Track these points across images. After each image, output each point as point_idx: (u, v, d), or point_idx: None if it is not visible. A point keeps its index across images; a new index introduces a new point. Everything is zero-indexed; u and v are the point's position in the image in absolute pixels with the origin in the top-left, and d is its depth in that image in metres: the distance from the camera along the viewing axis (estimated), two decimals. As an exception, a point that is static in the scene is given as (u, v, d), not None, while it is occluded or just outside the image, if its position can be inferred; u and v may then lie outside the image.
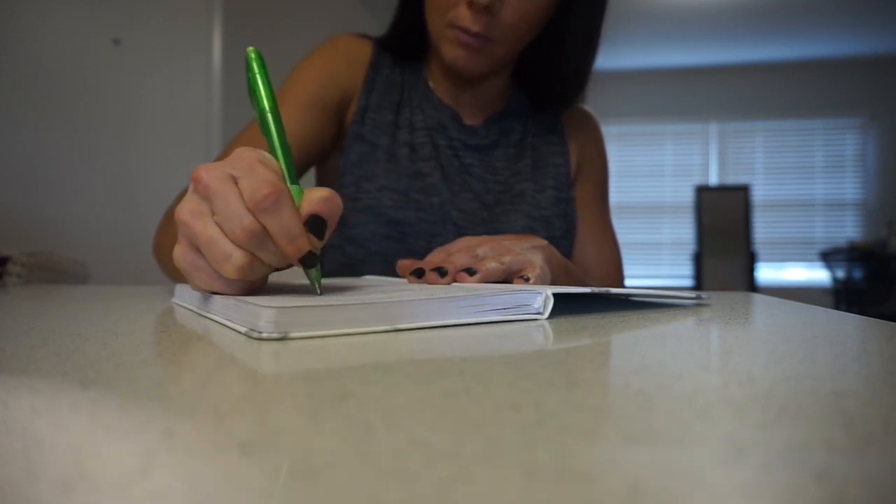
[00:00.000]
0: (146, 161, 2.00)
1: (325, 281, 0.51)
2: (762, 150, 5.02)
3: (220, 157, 0.69)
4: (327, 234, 0.33)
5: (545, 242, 0.52)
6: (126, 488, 0.10)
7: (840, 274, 4.20)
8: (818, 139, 4.95)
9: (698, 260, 4.54)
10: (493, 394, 0.17)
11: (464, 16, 0.62)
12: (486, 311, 0.34)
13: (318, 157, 0.73)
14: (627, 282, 0.85)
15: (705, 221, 4.60)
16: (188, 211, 0.32)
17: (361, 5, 3.53)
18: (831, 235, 4.89)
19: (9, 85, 1.70)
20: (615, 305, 0.44)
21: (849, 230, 4.89)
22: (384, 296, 0.32)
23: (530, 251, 0.48)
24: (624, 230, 5.01)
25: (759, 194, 4.96)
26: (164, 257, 0.65)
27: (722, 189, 4.71)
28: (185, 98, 2.09)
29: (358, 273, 0.70)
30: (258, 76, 0.37)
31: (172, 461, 0.12)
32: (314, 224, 0.32)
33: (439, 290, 0.35)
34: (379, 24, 3.46)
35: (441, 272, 0.43)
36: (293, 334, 0.27)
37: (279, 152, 0.36)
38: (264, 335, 0.27)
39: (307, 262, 0.33)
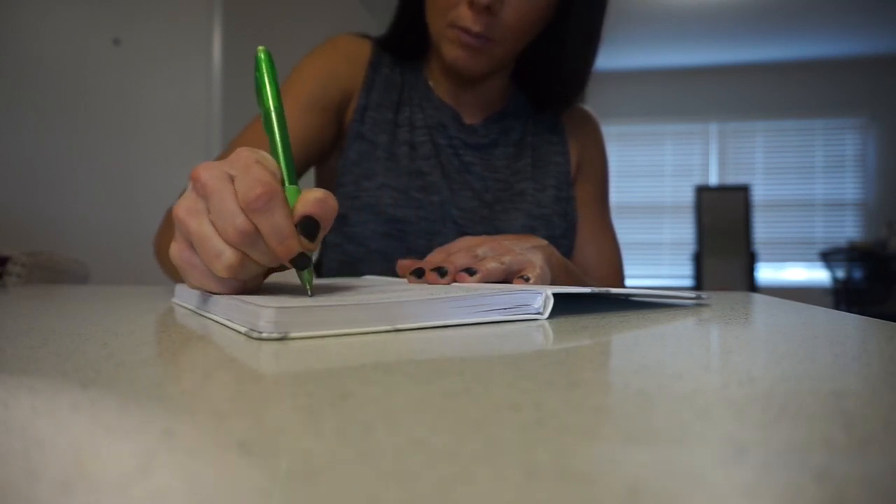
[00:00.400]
0: (146, 161, 2.00)
1: (325, 281, 0.51)
2: (762, 150, 5.02)
3: (222, 156, 0.69)
4: (321, 235, 0.33)
5: (545, 242, 0.52)
6: (126, 488, 0.10)
7: (840, 274, 4.20)
8: (818, 139, 4.95)
9: (698, 260, 4.54)
10: (493, 394, 0.17)
11: (465, 16, 0.63)
12: (486, 311, 0.34)
13: (318, 157, 0.73)
14: (627, 282, 0.85)
15: (705, 221, 4.60)
16: (185, 208, 0.33)
17: (361, 5, 3.53)
18: (831, 235, 4.89)
19: (9, 85, 1.70)
20: (615, 305, 0.44)
21: (849, 230, 4.89)
22: (384, 296, 0.32)
23: (530, 251, 0.48)
24: (624, 230, 5.01)
25: (759, 194, 4.96)
26: (164, 257, 0.65)
27: (722, 189, 4.71)
28: (185, 98, 2.09)
29: (358, 272, 0.70)
30: (266, 76, 0.37)
31: (172, 461, 0.12)
32: (307, 226, 0.32)
33: (439, 290, 0.35)
34: (379, 24, 3.46)
35: (441, 272, 0.43)
36: (293, 334, 0.27)
37: (280, 152, 0.36)
38: (264, 335, 0.27)
39: (298, 263, 0.33)
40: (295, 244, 0.32)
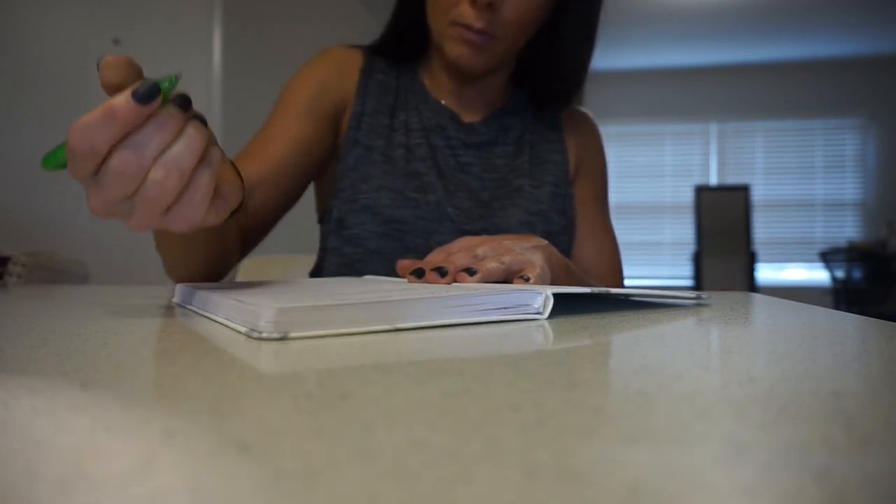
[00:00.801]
0: (146, 161, 2.00)
1: (324, 281, 0.51)
2: (762, 150, 5.02)
3: (241, 154, 0.70)
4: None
5: (545, 242, 0.52)
6: (126, 488, 0.10)
7: (840, 274, 4.20)
8: (818, 139, 4.95)
9: (698, 260, 4.54)
10: (493, 394, 0.17)
11: (467, 13, 0.63)
12: (486, 311, 0.34)
13: (315, 165, 0.73)
14: (627, 282, 0.85)
15: (705, 221, 4.60)
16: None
17: (361, 5, 3.53)
18: (831, 235, 4.89)
19: (9, 85, 1.70)
20: (615, 305, 0.44)
21: (849, 230, 4.89)
22: (384, 296, 0.32)
23: (530, 251, 0.48)
24: (624, 230, 5.01)
25: (759, 194, 4.96)
26: (163, 248, 0.65)
27: (722, 189, 4.71)
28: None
29: (358, 273, 0.71)
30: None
31: (172, 461, 0.12)
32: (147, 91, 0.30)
33: (439, 290, 0.35)
34: (379, 25, 3.45)
35: (441, 272, 0.43)
36: (293, 334, 0.27)
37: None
38: (264, 335, 0.27)
39: (143, 96, 0.30)
40: (110, 104, 0.29)
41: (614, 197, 4.91)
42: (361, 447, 0.13)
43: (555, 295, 0.37)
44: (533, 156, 0.78)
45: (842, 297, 4.17)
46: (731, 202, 4.62)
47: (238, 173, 0.42)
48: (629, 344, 0.27)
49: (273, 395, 0.17)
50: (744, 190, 4.62)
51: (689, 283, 4.98)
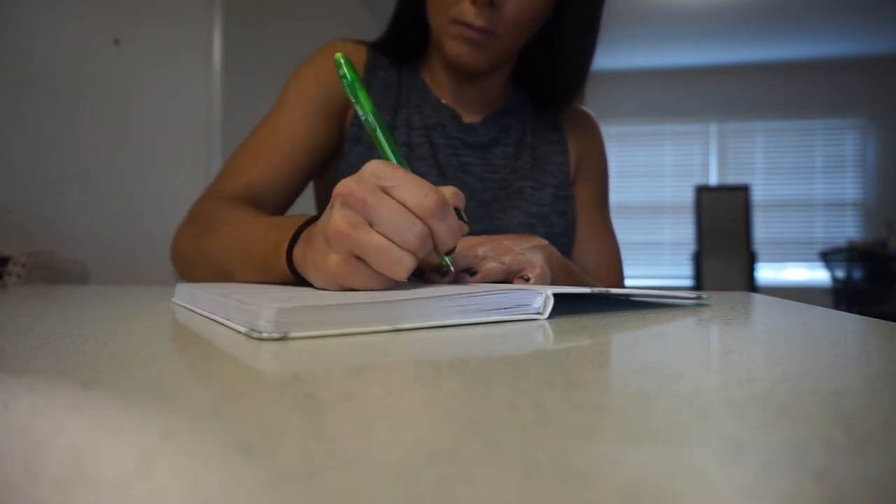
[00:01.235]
0: (146, 161, 2.00)
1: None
2: (762, 150, 5.02)
3: (245, 146, 0.70)
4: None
5: (545, 242, 0.52)
6: (126, 488, 0.10)
7: (840, 274, 4.20)
8: (818, 139, 4.95)
9: (698, 260, 4.54)
10: (493, 394, 0.17)
11: (467, 11, 0.63)
12: (486, 311, 0.34)
13: (322, 163, 0.73)
14: (627, 282, 0.85)
15: (705, 221, 4.60)
16: (346, 223, 0.35)
17: (361, 5, 3.52)
18: (831, 235, 4.89)
19: (9, 85, 1.70)
20: (615, 305, 0.44)
21: (849, 230, 4.89)
22: (384, 296, 0.32)
23: (530, 251, 0.48)
24: (624, 230, 5.01)
25: (759, 194, 4.95)
26: (185, 261, 0.64)
27: (722, 189, 4.71)
28: (185, 98, 2.09)
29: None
30: (354, 82, 0.42)
31: (172, 461, 0.12)
32: (459, 217, 0.38)
33: (439, 290, 0.35)
34: (379, 24, 3.45)
35: (441, 272, 0.43)
36: (293, 334, 0.27)
37: (388, 150, 0.42)
38: (264, 335, 0.27)
39: (451, 250, 0.38)
40: (460, 236, 0.38)
41: (614, 197, 4.87)
42: (361, 447, 0.13)
43: (555, 295, 0.37)
44: (534, 157, 0.78)
45: (842, 297, 4.17)
46: (731, 202, 4.61)
47: None
48: (629, 344, 0.27)
49: (273, 395, 0.17)
50: (744, 190, 4.62)
51: (689, 283, 4.98)
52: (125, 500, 0.10)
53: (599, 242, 0.79)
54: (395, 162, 0.41)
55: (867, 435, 0.14)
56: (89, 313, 0.38)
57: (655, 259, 5.17)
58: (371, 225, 0.35)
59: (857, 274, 4.11)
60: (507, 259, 0.45)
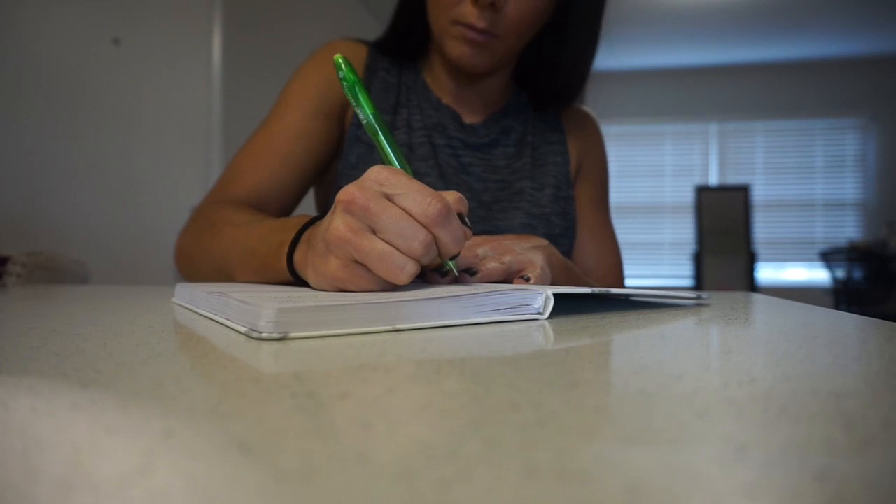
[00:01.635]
0: (146, 161, 2.00)
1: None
2: (762, 150, 5.02)
3: (246, 149, 0.70)
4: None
5: (546, 242, 0.52)
6: (126, 488, 0.10)
7: (840, 274, 4.20)
8: (818, 139, 4.95)
9: (698, 260, 4.54)
10: (493, 394, 0.17)
11: (468, 12, 0.63)
12: (486, 311, 0.34)
13: (324, 163, 0.73)
14: (627, 282, 0.85)
15: (705, 221, 4.60)
16: (348, 229, 0.35)
17: (361, 5, 3.53)
18: (831, 235, 4.89)
19: (9, 85, 1.70)
20: (615, 305, 0.44)
21: (849, 230, 4.89)
22: (384, 296, 0.32)
23: (531, 251, 0.48)
24: (624, 230, 5.01)
25: (759, 194, 4.95)
26: (188, 263, 0.64)
27: (722, 189, 4.71)
28: (185, 98, 2.09)
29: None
30: (355, 84, 0.42)
31: (172, 461, 0.12)
32: (464, 222, 0.39)
33: (439, 290, 0.35)
34: (379, 24, 3.46)
35: (441, 272, 0.43)
36: (293, 334, 0.27)
37: (391, 155, 0.42)
38: (264, 335, 0.27)
39: (455, 255, 0.39)
40: (464, 242, 0.38)
41: (614, 197, 4.88)
42: (361, 447, 0.13)
43: (555, 295, 0.37)
44: (534, 157, 0.78)
45: (842, 297, 4.17)
46: (731, 202, 4.61)
47: None
48: (629, 344, 0.27)
49: (273, 395, 0.17)
50: (744, 190, 4.62)
51: (689, 283, 4.98)
52: (125, 500, 0.10)
53: (600, 242, 0.79)
54: (397, 165, 0.41)
55: (867, 435, 0.14)
56: (89, 313, 0.38)
57: (655, 259, 5.17)
58: (374, 232, 0.35)
59: (857, 274, 4.11)
60: (507, 259, 0.45)
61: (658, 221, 5.16)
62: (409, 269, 0.35)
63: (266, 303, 0.28)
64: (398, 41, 0.76)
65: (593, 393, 0.18)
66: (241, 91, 2.22)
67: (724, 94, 5.05)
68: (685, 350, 0.25)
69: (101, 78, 1.89)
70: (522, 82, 0.81)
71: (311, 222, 0.44)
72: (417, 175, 0.71)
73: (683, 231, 5.08)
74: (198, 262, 0.62)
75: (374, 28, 3.42)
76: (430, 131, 0.74)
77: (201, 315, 0.36)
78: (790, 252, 4.97)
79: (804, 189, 4.96)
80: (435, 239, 0.36)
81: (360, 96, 0.42)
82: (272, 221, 0.52)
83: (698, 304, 0.47)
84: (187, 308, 0.41)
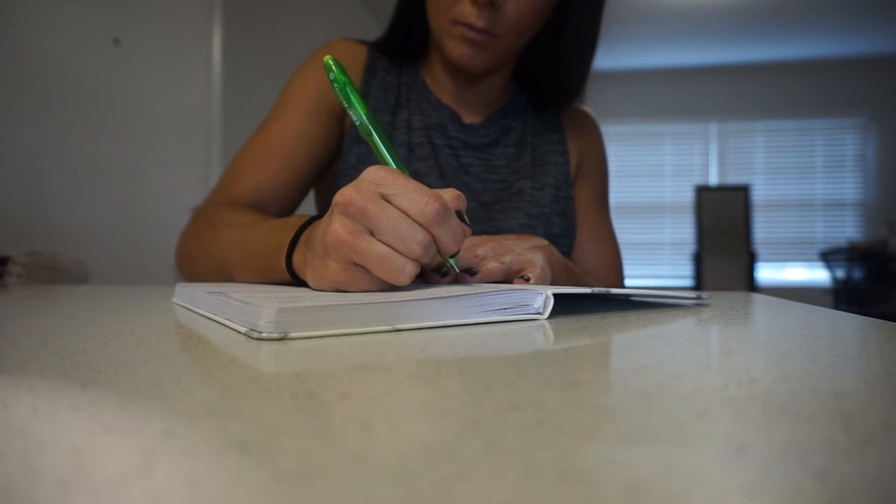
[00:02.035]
0: (146, 161, 2.00)
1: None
2: (762, 150, 5.02)
3: (246, 150, 0.70)
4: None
5: (546, 242, 0.52)
6: (126, 488, 0.10)
7: (840, 274, 4.20)
8: (818, 139, 4.95)
9: (698, 260, 4.54)
10: (493, 394, 0.17)
11: (468, 12, 0.63)
12: (486, 311, 0.34)
13: (325, 163, 0.73)
14: (627, 282, 0.85)
15: (705, 221, 4.60)
16: (346, 232, 0.34)
17: (361, 5, 3.53)
18: (831, 235, 4.89)
19: (9, 85, 1.70)
20: (615, 305, 0.44)
21: (849, 230, 4.89)
22: (384, 296, 0.32)
23: (531, 251, 0.48)
24: (624, 230, 5.01)
25: (759, 194, 4.95)
26: (188, 263, 0.64)
27: (722, 189, 4.71)
28: (185, 98, 2.09)
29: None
30: (346, 84, 0.42)
31: (172, 461, 0.12)
32: (463, 220, 0.39)
33: (439, 290, 0.35)
34: (379, 24, 3.46)
35: (441, 272, 0.43)
36: (293, 334, 0.27)
37: (387, 154, 0.42)
38: (264, 335, 0.27)
39: (455, 253, 0.38)
40: (463, 240, 0.38)
41: (614, 197, 4.90)
42: (361, 447, 0.13)
43: (555, 295, 0.37)
44: (534, 158, 0.78)
45: (842, 297, 4.17)
46: (731, 202, 4.61)
47: None
48: (629, 344, 0.27)
49: (273, 395, 0.17)
50: (744, 190, 4.62)
51: (689, 283, 4.98)
52: (125, 500, 0.10)
53: (600, 242, 0.79)
54: (393, 165, 0.41)
55: (867, 435, 0.14)
56: (89, 313, 0.38)
57: (655, 259, 5.17)
58: (372, 234, 0.35)
59: (857, 274, 4.11)
60: (507, 259, 0.45)
61: (658, 221, 5.16)
62: (409, 270, 0.35)
63: (266, 303, 0.28)
64: (398, 41, 0.76)
65: (593, 393, 0.18)
66: (241, 91, 2.22)
67: (724, 94, 5.05)
68: (685, 350, 0.25)
69: (101, 78, 1.89)
70: (522, 82, 0.81)
71: (310, 222, 0.44)
72: (417, 175, 0.71)
73: (683, 231, 5.08)
74: (198, 263, 0.62)
75: (374, 28, 3.42)
76: (430, 131, 0.74)
77: (201, 315, 0.36)
78: (790, 252, 4.97)
79: (804, 189, 4.96)
80: (434, 238, 0.36)
81: (352, 97, 0.41)
82: (271, 222, 0.52)
83: (698, 304, 0.47)
84: (187, 308, 0.41)
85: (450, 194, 0.38)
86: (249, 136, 0.74)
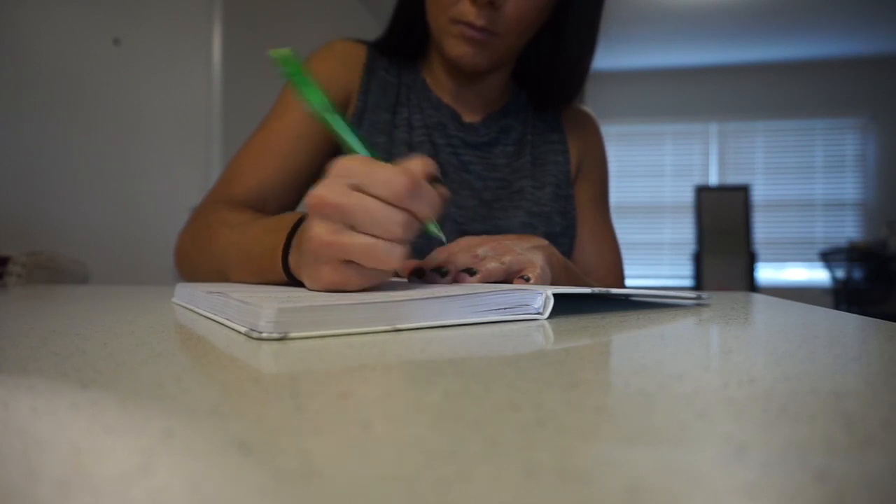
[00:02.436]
0: (146, 161, 2.00)
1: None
2: (762, 150, 5.02)
3: (245, 149, 0.70)
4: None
5: (546, 242, 0.52)
6: (126, 488, 0.10)
7: (840, 274, 4.20)
8: (818, 139, 4.95)
9: (698, 260, 4.54)
10: (493, 394, 0.17)
11: (467, 11, 0.63)
12: (486, 311, 0.34)
13: (324, 162, 0.73)
14: (627, 282, 0.85)
15: (705, 221, 4.60)
16: (327, 233, 0.34)
17: (361, 5, 3.53)
18: (831, 235, 4.89)
19: (9, 85, 1.70)
20: (615, 305, 0.44)
21: (849, 230, 4.89)
22: (384, 295, 0.32)
23: (531, 251, 0.48)
24: (624, 230, 5.01)
25: (759, 194, 4.95)
26: (186, 264, 0.64)
27: (722, 189, 4.71)
28: (185, 98, 2.09)
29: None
30: (299, 77, 0.40)
31: (172, 461, 0.12)
32: (437, 182, 0.38)
33: (439, 290, 0.35)
34: (379, 24, 3.46)
35: (441, 272, 0.43)
36: (293, 334, 0.27)
37: (349, 140, 0.40)
38: (264, 335, 0.27)
39: (435, 218, 0.37)
40: (440, 203, 0.37)
41: (614, 197, 4.89)
42: (361, 447, 0.13)
43: (555, 295, 0.37)
44: (534, 157, 0.78)
45: (842, 297, 4.17)
46: (731, 202, 4.61)
47: None
48: (629, 344, 0.27)
49: (273, 395, 0.17)
50: (744, 190, 4.62)
51: (689, 283, 4.98)
52: (125, 500, 0.10)
53: (600, 242, 0.79)
54: (356, 149, 0.40)
55: (867, 435, 0.14)
56: (89, 313, 0.38)
57: (655, 259, 5.17)
58: (353, 227, 0.34)
59: (857, 274, 4.11)
60: (507, 259, 0.45)
61: (658, 221, 5.16)
62: (397, 253, 0.34)
63: (266, 303, 0.28)
64: (397, 41, 0.76)
65: (593, 393, 0.18)
66: (241, 91, 2.22)
67: (724, 94, 5.05)
68: (685, 350, 0.25)
69: (101, 78, 1.89)
70: (522, 82, 0.81)
71: (301, 220, 0.44)
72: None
73: (683, 231, 5.08)
74: (196, 263, 0.62)
75: (374, 28, 3.42)
76: (430, 130, 0.74)
77: (201, 315, 0.36)
78: (790, 252, 4.97)
79: (804, 189, 4.96)
80: (412, 214, 0.35)
81: (304, 88, 0.40)
82: (265, 222, 0.52)
83: (698, 304, 0.47)
84: (187, 308, 0.41)
85: (417, 164, 0.37)
86: (249, 135, 0.74)
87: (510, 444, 0.13)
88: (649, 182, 5.18)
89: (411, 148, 0.73)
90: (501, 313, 0.34)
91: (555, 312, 0.38)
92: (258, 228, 0.51)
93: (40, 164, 1.78)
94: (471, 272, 0.43)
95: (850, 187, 4.91)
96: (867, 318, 0.37)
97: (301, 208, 0.74)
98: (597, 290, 0.40)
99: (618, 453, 0.12)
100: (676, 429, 0.14)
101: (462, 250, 0.48)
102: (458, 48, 0.66)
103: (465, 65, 0.67)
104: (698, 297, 0.48)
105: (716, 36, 4.37)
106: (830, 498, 0.10)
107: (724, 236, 4.55)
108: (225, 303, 0.32)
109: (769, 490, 0.11)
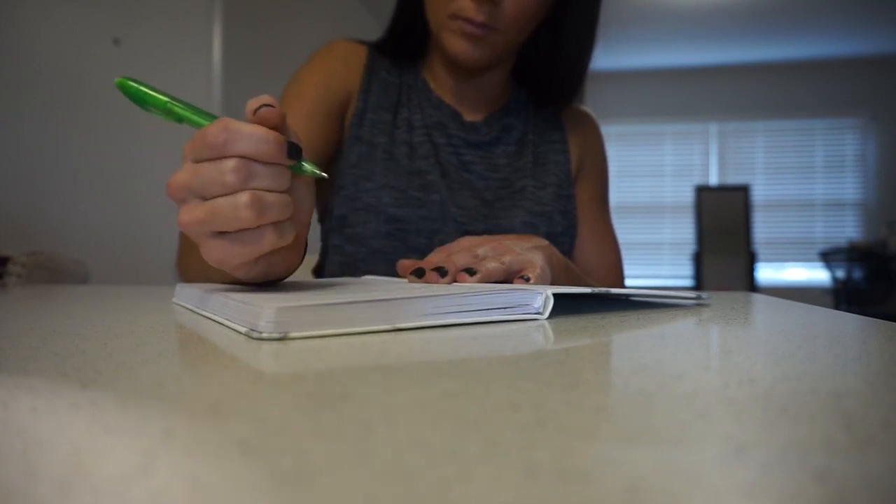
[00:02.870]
0: (146, 161, 2.00)
1: (324, 280, 0.51)
2: (762, 150, 5.02)
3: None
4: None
5: (546, 242, 0.52)
6: (126, 488, 0.10)
7: (840, 274, 4.20)
8: (818, 139, 4.95)
9: (698, 260, 4.54)
10: (493, 394, 0.17)
11: (466, 6, 0.63)
12: (486, 310, 0.34)
13: (325, 163, 0.73)
14: (627, 282, 0.85)
15: (705, 221, 4.60)
16: (184, 213, 0.33)
17: (361, 5, 3.53)
18: (831, 235, 4.89)
19: (9, 85, 1.70)
20: (615, 305, 0.44)
21: (849, 230, 4.89)
22: (384, 295, 0.32)
23: (531, 251, 0.48)
24: (624, 230, 5.01)
25: (759, 194, 4.95)
26: (186, 264, 0.64)
27: (722, 189, 4.71)
28: (185, 98, 2.09)
29: (359, 272, 0.71)
30: (139, 93, 0.37)
31: (172, 461, 0.12)
32: (263, 118, 0.34)
33: (439, 290, 0.35)
34: (379, 24, 3.46)
35: (441, 272, 0.43)
36: (293, 334, 0.27)
37: (194, 116, 0.37)
38: (264, 335, 0.27)
39: (292, 152, 0.34)
40: (276, 134, 0.33)
41: (614, 197, 4.91)
42: (361, 447, 0.13)
43: (555, 295, 0.37)
44: (535, 156, 0.78)
45: (842, 297, 4.17)
46: (731, 202, 4.61)
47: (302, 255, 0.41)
48: (629, 344, 0.27)
49: (273, 395, 0.17)
50: (744, 190, 4.62)
51: (689, 283, 4.98)
52: (125, 500, 0.10)
53: (600, 242, 0.79)
54: (195, 116, 0.37)
55: (867, 435, 0.14)
56: (89, 313, 0.38)
57: (655, 259, 5.17)
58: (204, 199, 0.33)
59: (857, 274, 4.11)
60: (507, 259, 0.45)
61: (658, 221, 5.16)
62: (243, 200, 0.32)
63: (266, 303, 0.28)
64: (398, 41, 0.76)
65: (593, 393, 0.18)
66: (241, 91, 2.22)
67: (724, 94, 5.05)
68: (685, 350, 0.25)
69: (101, 78, 1.89)
70: (522, 80, 0.81)
71: None
72: (419, 173, 0.71)
73: (683, 231, 5.08)
74: (194, 264, 0.62)
75: (374, 28, 3.42)
76: (431, 130, 0.74)
77: (201, 315, 0.36)
78: (790, 252, 4.97)
79: (804, 189, 4.96)
80: (241, 155, 0.32)
81: (148, 97, 0.37)
82: None
83: (698, 304, 0.47)
84: (187, 308, 0.41)
85: (249, 105, 0.35)
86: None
87: (510, 444, 0.13)
88: (649, 182, 5.18)
89: (412, 148, 0.73)
90: (501, 313, 0.34)
91: (555, 312, 0.38)
92: None
93: (40, 164, 1.77)
94: (471, 272, 0.43)
95: (850, 187, 4.91)
96: (867, 318, 0.37)
97: None
98: (597, 290, 0.40)
99: (618, 453, 0.12)
100: (676, 429, 0.14)
101: (462, 250, 0.48)
102: (457, 44, 0.66)
103: (464, 61, 0.67)
104: (698, 298, 0.48)
105: (716, 36, 4.37)
106: (830, 498, 0.10)
107: (724, 236, 4.55)
108: (225, 303, 0.32)
109: (769, 490, 0.11)
